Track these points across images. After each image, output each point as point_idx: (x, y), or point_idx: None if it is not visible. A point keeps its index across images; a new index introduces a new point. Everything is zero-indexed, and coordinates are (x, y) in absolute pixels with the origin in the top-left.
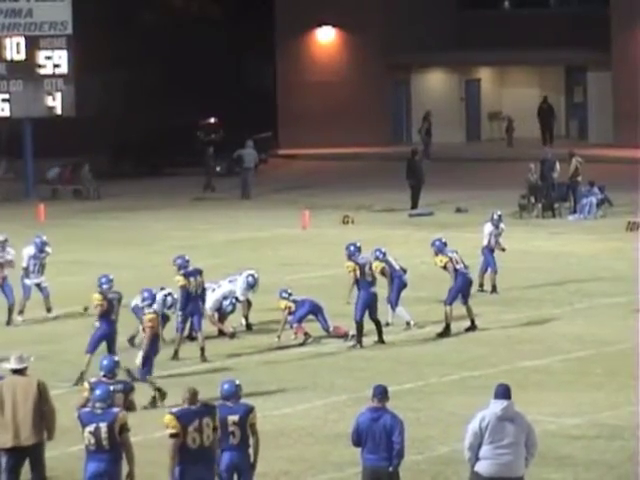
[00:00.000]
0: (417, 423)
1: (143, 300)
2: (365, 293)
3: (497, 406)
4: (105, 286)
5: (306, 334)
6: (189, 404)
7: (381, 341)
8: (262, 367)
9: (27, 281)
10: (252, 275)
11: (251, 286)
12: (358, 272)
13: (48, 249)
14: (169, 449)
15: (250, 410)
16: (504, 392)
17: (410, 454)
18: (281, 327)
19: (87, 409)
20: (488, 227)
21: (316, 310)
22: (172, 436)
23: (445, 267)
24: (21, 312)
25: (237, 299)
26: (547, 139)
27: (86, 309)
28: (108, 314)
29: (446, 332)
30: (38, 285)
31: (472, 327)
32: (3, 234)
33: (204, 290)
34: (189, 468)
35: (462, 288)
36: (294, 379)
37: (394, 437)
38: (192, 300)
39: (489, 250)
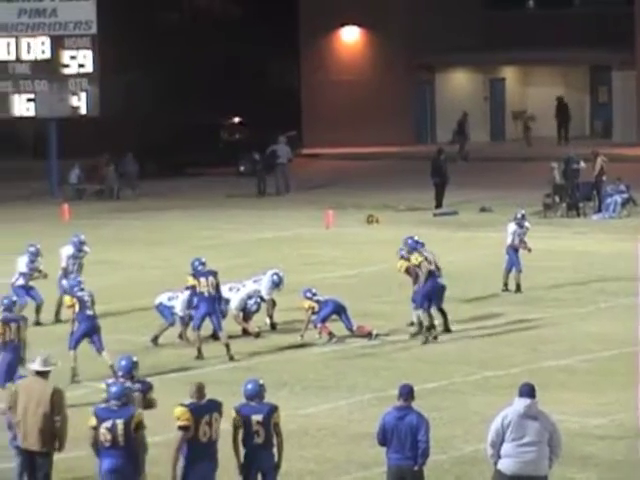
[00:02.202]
0: (441, 422)
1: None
2: (432, 283)
3: (520, 404)
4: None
5: (330, 334)
6: (197, 399)
7: (448, 329)
8: (286, 366)
9: (65, 282)
10: (277, 274)
11: (276, 285)
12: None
13: (86, 248)
14: (176, 441)
15: (274, 410)
16: (529, 391)
17: (434, 454)
18: (304, 327)
19: (103, 406)
20: (512, 226)
21: (340, 310)
22: (182, 428)
23: (419, 266)
24: (57, 313)
25: (262, 298)
26: (562, 138)
27: None
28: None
29: (428, 331)
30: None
31: (446, 330)
32: (36, 245)
33: (218, 290)
34: (196, 463)
35: (431, 292)
36: (318, 379)
37: (420, 436)
38: (206, 301)
39: (513, 249)
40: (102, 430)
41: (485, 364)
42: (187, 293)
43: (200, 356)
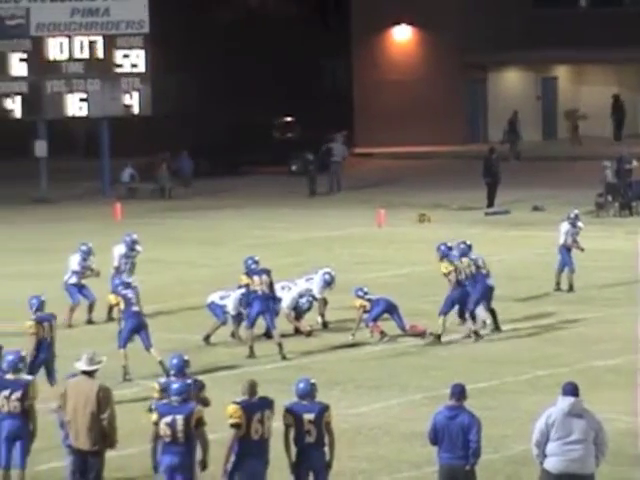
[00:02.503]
0: (492, 422)
1: (30, 307)
2: (481, 286)
3: (564, 403)
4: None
5: (382, 332)
6: (249, 396)
7: (498, 328)
8: (338, 365)
9: (117, 281)
10: (329, 273)
11: (328, 284)
12: (473, 267)
13: (139, 247)
14: (229, 439)
15: (325, 409)
16: (572, 389)
17: (486, 453)
18: (356, 325)
19: (164, 401)
20: (565, 226)
21: (391, 309)
22: (234, 426)
23: (448, 274)
24: (109, 311)
25: (314, 297)
26: (618, 136)
27: None
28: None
29: (437, 341)
30: (128, 284)
31: (477, 337)
32: (88, 244)
33: (272, 288)
34: (246, 460)
35: (458, 299)
36: (370, 378)
37: (471, 436)
38: (260, 299)
39: (566, 249)
40: (162, 425)
41: (536, 363)
42: (239, 292)
43: (252, 355)
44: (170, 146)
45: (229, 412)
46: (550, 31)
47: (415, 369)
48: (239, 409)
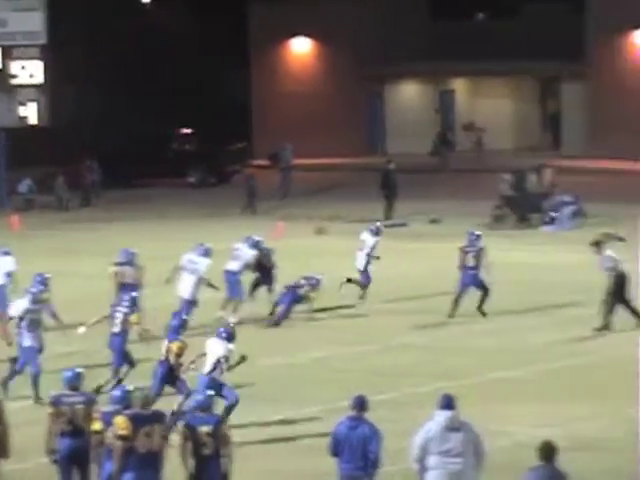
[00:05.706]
0: (392, 434)
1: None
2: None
3: (441, 417)
4: None
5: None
6: (141, 408)
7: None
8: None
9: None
10: None
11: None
12: None
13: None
14: (116, 451)
15: (221, 421)
16: (448, 403)
17: (384, 465)
18: None
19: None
20: None
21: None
22: (121, 438)
23: None
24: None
25: None
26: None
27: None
28: None
29: None
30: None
31: None
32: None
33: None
34: (137, 472)
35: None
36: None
37: (370, 447)
38: None
39: None
40: None
41: (434, 375)
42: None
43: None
44: (69, 157)
45: (117, 424)
46: (448, 43)
47: (309, 382)
48: (126, 420)
